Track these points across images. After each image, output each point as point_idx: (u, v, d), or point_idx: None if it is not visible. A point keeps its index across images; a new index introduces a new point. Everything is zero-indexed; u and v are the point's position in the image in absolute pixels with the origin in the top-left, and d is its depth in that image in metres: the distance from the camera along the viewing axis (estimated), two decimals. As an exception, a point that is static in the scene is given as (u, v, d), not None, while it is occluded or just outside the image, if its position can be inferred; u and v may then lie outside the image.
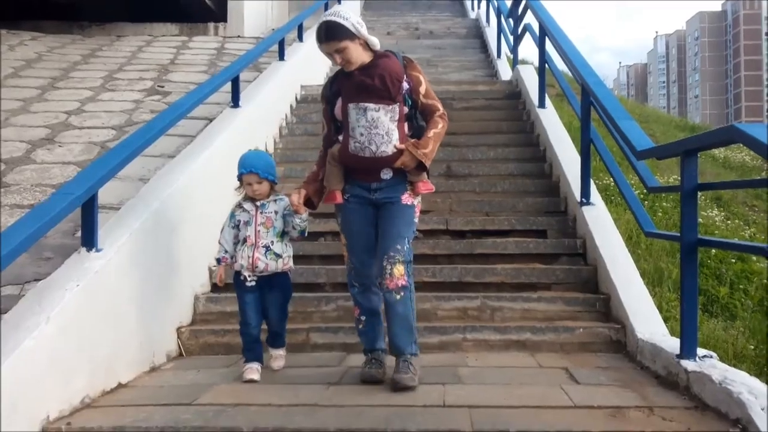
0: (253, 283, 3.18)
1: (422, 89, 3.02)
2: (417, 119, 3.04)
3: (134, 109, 6.51)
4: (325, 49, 2.91)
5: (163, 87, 7.31)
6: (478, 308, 3.95)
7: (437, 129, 3.00)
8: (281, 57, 7.27)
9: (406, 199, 3.02)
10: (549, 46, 6.19)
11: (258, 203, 3.20)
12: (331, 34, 2.87)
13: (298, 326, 3.81)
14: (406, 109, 2.97)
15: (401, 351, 2.94)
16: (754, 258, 5.10)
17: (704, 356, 2.87)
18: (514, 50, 8.59)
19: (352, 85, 2.92)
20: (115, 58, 8.68)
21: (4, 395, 2.27)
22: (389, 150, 2.91)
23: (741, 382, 2.47)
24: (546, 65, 6.44)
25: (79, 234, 3.97)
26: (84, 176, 2.88)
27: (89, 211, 2.91)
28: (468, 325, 3.76)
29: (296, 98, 7.31)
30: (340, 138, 3.00)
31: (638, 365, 3.30)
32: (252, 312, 3.18)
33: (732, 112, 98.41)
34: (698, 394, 2.66)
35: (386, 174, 2.98)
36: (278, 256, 3.18)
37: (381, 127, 2.88)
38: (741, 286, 4.56)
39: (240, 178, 3.20)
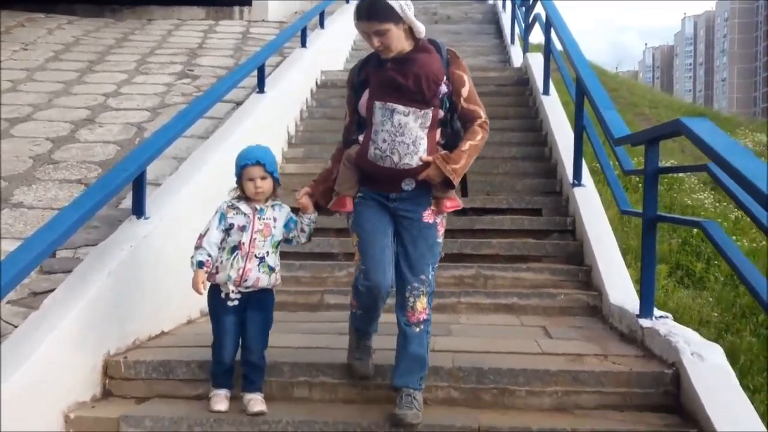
0: (236, 302, 2.75)
1: (464, 91, 2.60)
2: (453, 124, 2.64)
3: (166, 92, 7.04)
4: (363, 27, 2.51)
5: (192, 71, 7.84)
6: (473, 276, 4.45)
7: (474, 141, 2.59)
8: (303, 44, 7.74)
9: (428, 216, 2.64)
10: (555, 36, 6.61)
11: (257, 206, 2.80)
12: (375, 13, 2.46)
13: (314, 289, 4.35)
14: (441, 113, 2.58)
15: (406, 385, 2.62)
16: (737, 237, 5.52)
17: (660, 316, 3.35)
18: (525, 38, 8.96)
19: (382, 80, 2.55)
20: (146, 42, 9.21)
21: (77, 332, 2.85)
22: (413, 162, 2.54)
23: (680, 334, 2.96)
24: (551, 54, 6.85)
25: (121, 206, 4.55)
26: (135, 155, 3.42)
27: (139, 185, 3.47)
28: (463, 291, 4.27)
29: (316, 83, 7.79)
30: (360, 138, 2.65)
31: (608, 326, 3.78)
32: (230, 337, 2.77)
33: (761, 95, 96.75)
34: (649, 346, 3.15)
35: (408, 185, 2.61)
36: (272, 269, 2.78)
37: (408, 135, 2.51)
38: (716, 263, 5.00)
39: (241, 172, 2.78)
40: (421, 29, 2.56)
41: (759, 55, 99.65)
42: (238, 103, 6.16)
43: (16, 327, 3.42)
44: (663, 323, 3.21)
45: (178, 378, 2.98)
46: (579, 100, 5.11)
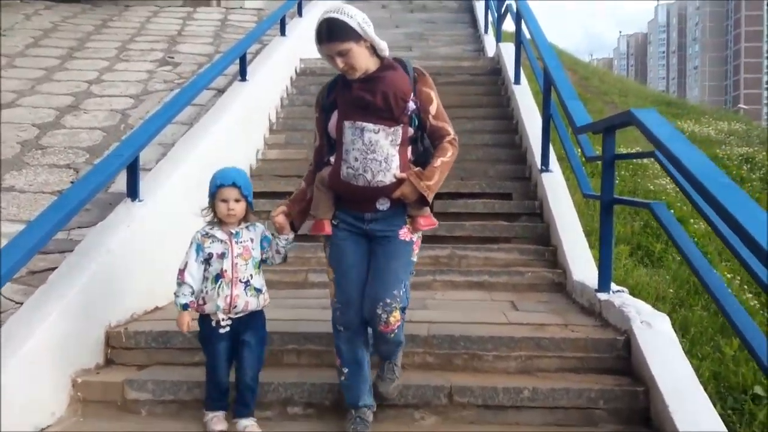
0: (227, 329, 2.72)
1: (432, 109, 2.61)
2: (423, 141, 2.65)
3: (148, 79, 7.19)
4: (325, 50, 2.50)
5: (173, 58, 7.97)
6: (447, 256, 4.74)
7: (445, 157, 2.60)
8: (282, 32, 7.92)
9: (404, 234, 2.64)
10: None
11: (232, 230, 2.75)
12: (334, 34, 2.46)
13: (299, 268, 4.60)
14: (411, 131, 2.57)
15: (388, 358, 2.84)
16: (694, 220, 5.89)
17: (617, 291, 3.67)
18: (497, 28, 9.23)
19: (350, 100, 2.55)
20: (125, 29, 9.29)
21: (81, 304, 3.08)
22: (387, 179, 2.53)
23: (632, 305, 3.28)
24: (522, 45, 7.14)
25: (111, 190, 4.75)
26: (129, 142, 3.64)
27: (133, 169, 3.69)
28: (438, 269, 4.56)
29: (296, 71, 7.99)
30: (332, 160, 2.63)
31: (571, 300, 4.10)
32: (223, 363, 2.75)
33: (731, 83, 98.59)
34: (605, 317, 3.47)
35: (383, 204, 2.60)
36: (258, 291, 2.75)
37: (379, 152, 2.51)
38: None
39: (215, 192, 2.71)
40: (383, 47, 2.56)
41: (730, 44, 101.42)
42: (220, 90, 6.34)
43: (17, 303, 3.64)
44: (618, 296, 3.52)
45: (176, 347, 3.23)
46: (546, 90, 5.41)
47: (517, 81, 7.14)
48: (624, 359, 3.10)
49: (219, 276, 2.69)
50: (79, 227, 4.29)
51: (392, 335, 2.64)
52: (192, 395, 2.96)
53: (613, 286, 3.69)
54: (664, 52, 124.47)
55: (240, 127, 5.62)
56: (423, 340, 3.15)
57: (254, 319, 2.78)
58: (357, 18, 2.49)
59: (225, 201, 2.70)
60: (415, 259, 2.71)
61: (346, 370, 2.70)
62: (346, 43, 2.47)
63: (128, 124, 5.87)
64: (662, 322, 3.13)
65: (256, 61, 7.04)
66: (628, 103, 11.51)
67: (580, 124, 4.11)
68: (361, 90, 2.53)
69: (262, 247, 2.78)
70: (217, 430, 2.72)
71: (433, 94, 2.64)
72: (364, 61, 2.53)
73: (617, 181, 7.05)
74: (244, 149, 5.85)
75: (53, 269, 3.51)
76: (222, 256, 2.71)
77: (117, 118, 6.08)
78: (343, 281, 2.64)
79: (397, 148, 2.54)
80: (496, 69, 8.12)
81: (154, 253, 3.80)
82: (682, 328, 4.35)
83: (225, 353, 2.75)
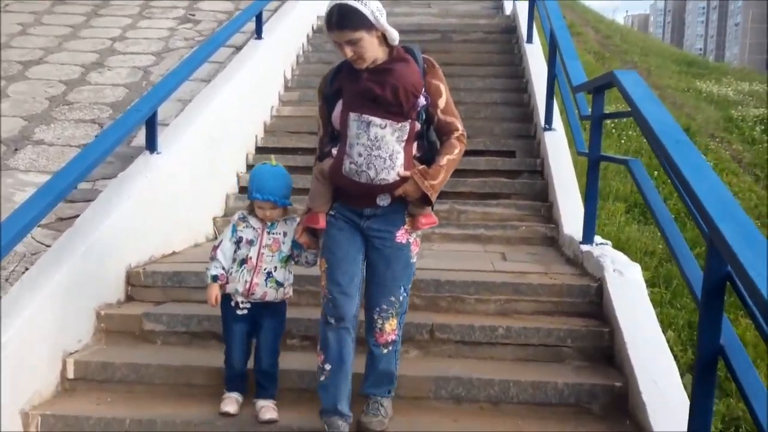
0: (245, 311, 2.78)
1: (441, 102, 2.50)
2: (429, 135, 2.55)
3: (170, 36, 7.44)
4: (334, 37, 2.38)
5: (194, 15, 8.19)
6: (447, 211, 4.99)
7: (452, 155, 2.50)
8: (299, -10, 8.07)
9: (402, 236, 2.55)
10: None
11: (267, 222, 2.79)
12: (346, 22, 2.34)
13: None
14: (418, 126, 2.46)
15: (374, 394, 2.67)
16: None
17: (600, 243, 3.91)
18: (515, -15, 9.24)
19: (358, 91, 2.42)
20: (149, -14, 9.51)
21: (103, 247, 3.43)
22: (390, 177, 2.42)
23: (609, 255, 3.52)
24: (535, 4, 7.21)
25: (132, 144, 5.08)
26: (148, 98, 3.93)
27: (152, 123, 3.99)
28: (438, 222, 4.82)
29: (312, 28, 8.16)
30: (334, 152, 2.52)
31: (560, 253, 4.35)
32: (239, 345, 2.81)
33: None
34: (585, 267, 3.72)
35: (383, 200, 2.52)
36: (280, 284, 2.76)
37: (384, 149, 2.40)
38: (670, 202, 5.53)
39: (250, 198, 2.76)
40: (395, 36, 2.43)
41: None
42: (238, 48, 6.58)
43: (47, 246, 4.02)
44: (600, 248, 3.76)
45: (189, 286, 3.58)
46: (552, 50, 5.55)
47: (530, 40, 7.23)
48: (596, 304, 3.36)
49: (244, 261, 2.74)
50: (103, 178, 4.63)
51: (385, 352, 2.59)
52: (202, 327, 3.31)
53: (598, 239, 3.93)
54: (704, 8, 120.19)
55: (254, 85, 5.88)
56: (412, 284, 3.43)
57: (274, 308, 2.80)
58: (371, 5, 2.36)
59: (261, 208, 2.74)
60: (414, 260, 2.62)
61: (328, 367, 2.55)
62: (358, 32, 2.34)
63: (150, 81, 6.16)
64: (634, 271, 3.38)
65: (273, 19, 7.23)
66: (649, 63, 11.49)
67: (576, 84, 4.29)
68: (371, 81, 2.39)
69: (295, 246, 2.77)
70: (223, 411, 2.77)
71: (443, 87, 2.51)
72: (374, 51, 2.40)
73: (623, 140, 7.21)
74: (259, 106, 6.12)
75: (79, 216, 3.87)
76: (251, 243, 2.76)
77: (139, 75, 6.38)
78: (335, 272, 2.54)
79: (403, 144, 2.42)
80: (511, 27, 8.18)
81: (171, 202, 4.13)
82: (666, 281, 4.59)
83: (241, 336, 2.79)
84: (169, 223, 4.09)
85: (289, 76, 7.06)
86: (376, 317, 2.56)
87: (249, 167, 5.59)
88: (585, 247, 3.82)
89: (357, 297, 2.58)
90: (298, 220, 2.76)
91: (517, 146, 5.82)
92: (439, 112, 2.50)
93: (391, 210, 2.53)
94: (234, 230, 2.80)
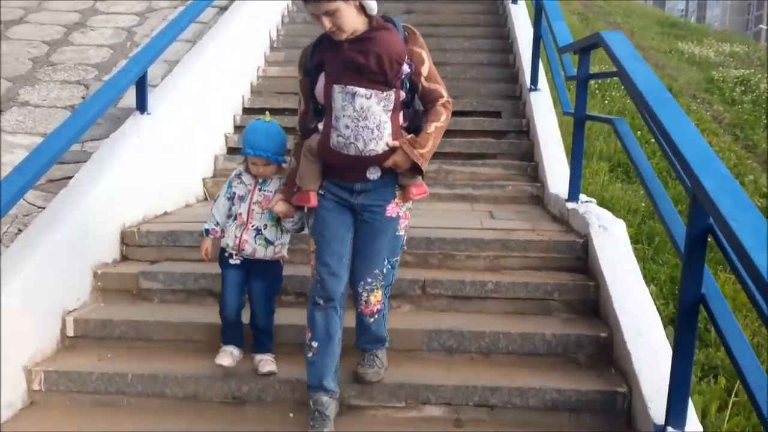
0: (239, 261, 2.80)
1: (424, 70, 2.46)
2: (414, 104, 2.53)
3: (153, -4, 7.33)
4: (311, 8, 2.33)
5: (176, -26, 8.06)
6: (435, 171, 5.06)
7: (439, 122, 2.48)
8: (285, -52, 7.95)
9: (392, 209, 2.54)
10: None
11: (259, 179, 2.79)
12: None
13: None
14: (402, 95, 2.44)
15: (368, 350, 2.78)
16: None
17: (585, 201, 4.00)
18: (501, -55, 9.16)
19: (340, 62, 2.38)
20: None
21: (98, 206, 3.47)
22: (379, 148, 2.40)
23: (594, 212, 3.62)
24: (521, -37, 7.19)
25: (119, 105, 5.06)
26: (138, 58, 3.91)
27: (142, 84, 3.98)
28: (425, 183, 4.88)
29: (297, -12, 8.07)
30: (320, 127, 2.49)
31: (546, 211, 4.45)
32: (233, 291, 2.81)
33: (755, 3, 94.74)
34: (571, 223, 3.83)
35: (373, 173, 2.49)
36: (269, 242, 2.77)
37: (371, 119, 2.37)
38: (653, 161, 5.64)
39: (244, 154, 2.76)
40: (372, 6, 2.38)
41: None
42: (223, 8, 6.51)
43: (38, 207, 4.04)
44: (585, 206, 3.86)
45: (183, 245, 3.63)
46: (537, 11, 5.57)
47: (515, 0, 7.23)
48: (582, 259, 3.47)
49: (236, 217, 2.79)
50: (91, 140, 4.64)
51: (372, 320, 2.62)
52: (198, 285, 3.38)
53: (583, 197, 4.03)
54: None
55: (240, 45, 5.85)
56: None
57: (267, 268, 2.82)
58: None
59: (254, 164, 2.75)
60: (402, 233, 2.61)
61: (315, 344, 2.58)
62: (335, 2, 2.28)
63: (134, 42, 6.10)
64: (618, 227, 3.48)
65: (257, -21, 7.13)
66: (632, 24, 11.53)
67: (562, 44, 4.34)
68: (353, 51, 2.35)
69: (269, 215, 2.77)
70: (218, 363, 2.79)
71: (425, 54, 2.47)
72: (353, 22, 2.35)
73: (607, 101, 7.29)
74: (245, 67, 6.09)
75: (69, 178, 3.88)
76: (242, 199, 2.78)
77: (123, 36, 6.30)
78: (324, 253, 2.54)
79: (390, 114, 2.40)
80: (497, -13, 8.15)
81: (162, 163, 4.15)
82: (648, 238, 4.72)
83: (235, 283, 2.80)
84: (160, 184, 4.12)
85: (274, 36, 7.01)
86: (360, 290, 2.57)
87: (237, 128, 5.60)
88: (570, 205, 3.92)
89: (345, 276, 2.57)
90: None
91: (503, 107, 5.88)
92: (423, 79, 2.47)
93: (381, 183, 2.50)
94: (229, 186, 2.84)
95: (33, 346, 2.95)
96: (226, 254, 2.82)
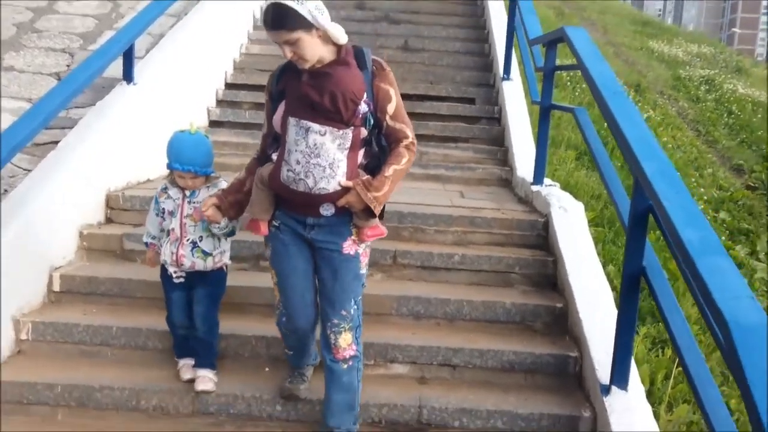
0: (181, 279, 2.72)
1: (390, 108, 2.34)
2: (380, 141, 2.38)
3: (138, -31, 7.37)
4: (273, 38, 2.23)
5: (159, -52, 8.09)
6: (410, 151, 5.26)
7: (399, 165, 2.35)
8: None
9: (349, 247, 2.42)
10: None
11: (187, 191, 2.66)
12: (281, 22, 2.17)
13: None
14: (365, 132, 2.32)
15: (338, 427, 2.54)
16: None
17: (549, 185, 4.26)
18: (482, -64, 9.35)
19: (296, 94, 2.29)
20: None
21: (85, 169, 3.61)
22: (330, 187, 2.30)
23: (556, 195, 3.87)
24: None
25: (104, 74, 5.16)
26: (126, 30, 4.03)
27: (129, 55, 4.11)
28: (400, 162, 5.10)
29: (280, -32, 8.16)
30: (274, 157, 2.39)
31: (513, 193, 4.70)
32: (178, 311, 2.77)
33: (729, 5, 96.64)
34: (534, 204, 4.08)
35: (326, 210, 2.37)
36: (207, 254, 2.67)
37: (324, 157, 2.27)
38: (618, 153, 5.93)
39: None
40: (338, 35, 2.25)
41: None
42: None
43: (24, 170, 4.16)
44: (548, 189, 4.11)
45: (167, 210, 3.78)
46: (512, 3, 5.80)
47: (492, -9, 7.44)
48: (542, 237, 3.72)
49: (168, 233, 2.70)
50: (76, 107, 4.75)
51: (345, 367, 2.49)
52: (181, 248, 3.54)
53: (547, 181, 4.28)
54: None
55: (224, 21, 5.97)
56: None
57: (208, 276, 2.72)
58: (308, 5, 2.17)
59: (182, 178, 2.63)
60: (364, 271, 2.49)
61: (291, 353, 2.72)
62: (295, 32, 2.17)
63: (119, 13, 6.17)
64: (577, 208, 3.74)
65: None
66: (605, 21, 11.83)
67: (532, 37, 4.57)
68: (308, 87, 2.26)
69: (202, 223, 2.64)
70: (185, 379, 2.77)
71: (392, 92, 2.34)
72: (317, 52, 2.24)
73: (577, 93, 7.57)
74: (229, 43, 6.21)
75: (55, 143, 4.00)
76: (172, 214, 2.67)
77: (108, 7, 6.37)
78: (285, 288, 2.49)
79: (346, 152, 2.30)
80: (475, -22, 8.35)
81: (146, 131, 4.28)
82: (609, 222, 5.00)
83: (178, 302, 2.75)
84: (144, 152, 4.26)
85: (258, 15, 7.12)
86: (329, 333, 2.46)
87: (219, 102, 5.73)
88: (535, 188, 4.16)
89: (311, 307, 2.52)
90: (222, 185, 2.66)
91: (477, 94, 6.11)
92: (387, 118, 2.34)
93: (336, 221, 2.39)
94: (156, 202, 2.74)
95: (21, 298, 3.09)
96: (168, 273, 2.74)
